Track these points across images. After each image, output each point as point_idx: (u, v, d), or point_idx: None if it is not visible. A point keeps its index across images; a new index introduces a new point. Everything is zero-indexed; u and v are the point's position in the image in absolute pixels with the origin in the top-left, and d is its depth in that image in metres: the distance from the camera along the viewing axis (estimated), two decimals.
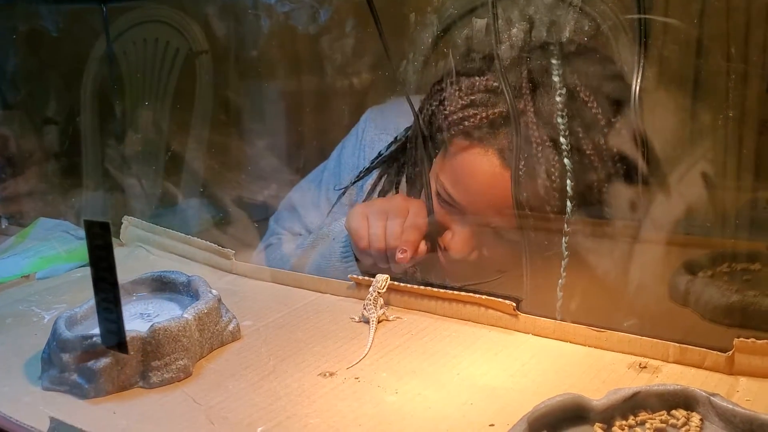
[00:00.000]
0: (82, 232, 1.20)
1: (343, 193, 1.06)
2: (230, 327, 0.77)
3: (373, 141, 1.06)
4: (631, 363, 0.67)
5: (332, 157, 1.13)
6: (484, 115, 0.85)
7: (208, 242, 1.00)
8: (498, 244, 0.91)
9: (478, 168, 0.86)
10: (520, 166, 0.84)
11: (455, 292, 0.79)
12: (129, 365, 0.68)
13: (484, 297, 0.77)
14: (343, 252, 0.98)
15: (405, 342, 0.75)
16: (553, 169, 0.82)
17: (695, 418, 0.55)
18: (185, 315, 0.72)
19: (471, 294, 0.78)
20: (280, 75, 1.28)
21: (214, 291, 0.79)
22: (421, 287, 0.81)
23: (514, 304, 0.75)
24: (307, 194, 1.14)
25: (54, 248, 1.11)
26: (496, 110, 0.85)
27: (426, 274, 0.95)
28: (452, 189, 0.90)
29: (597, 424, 0.55)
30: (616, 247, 0.88)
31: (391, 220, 0.91)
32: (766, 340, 0.63)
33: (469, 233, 0.91)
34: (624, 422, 0.55)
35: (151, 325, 0.69)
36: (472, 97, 0.87)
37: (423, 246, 0.90)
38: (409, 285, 0.82)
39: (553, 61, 0.83)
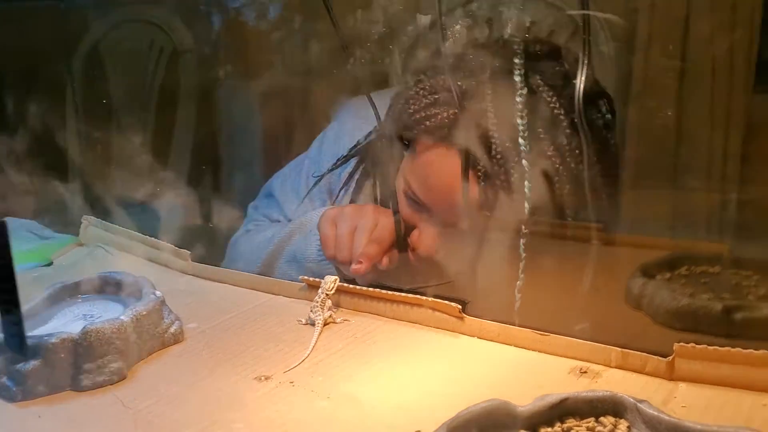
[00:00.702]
0: (47, 232, 1.20)
1: (319, 181, 1.06)
2: (172, 329, 0.76)
3: (354, 130, 1.05)
4: (572, 368, 0.66)
5: (314, 145, 1.13)
6: (445, 114, 0.84)
7: (165, 243, 0.99)
8: (463, 243, 0.90)
9: (440, 167, 0.86)
10: (479, 167, 0.82)
11: (403, 294, 0.77)
12: (59, 368, 0.67)
13: (430, 299, 0.75)
14: (318, 251, 0.97)
15: (348, 345, 0.73)
16: (512, 170, 0.81)
17: (622, 425, 0.53)
18: (122, 317, 0.71)
19: (418, 296, 0.76)
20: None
21: (157, 292, 0.77)
22: (370, 289, 0.80)
23: (460, 307, 0.74)
24: (287, 181, 1.14)
25: (14, 248, 1.10)
26: (456, 110, 0.83)
27: (398, 276, 0.94)
28: (417, 188, 0.89)
29: (521, 431, 0.54)
30: (573, 249, 0.86)
31: (359, 232, 0.91)
32: (705, 345, 0.61)
33: (436, 232, 0.90)
34: (550, 429, 0.54)
35: (84, 327, 0.67)
36: (436, 96, 0.86)
37: (386, 259, 0.89)
38: (358, 287, 0.81)
39: (516, 61, 0.82)
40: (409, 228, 0.93)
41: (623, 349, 0.65)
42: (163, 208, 0.99)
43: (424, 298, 0.76)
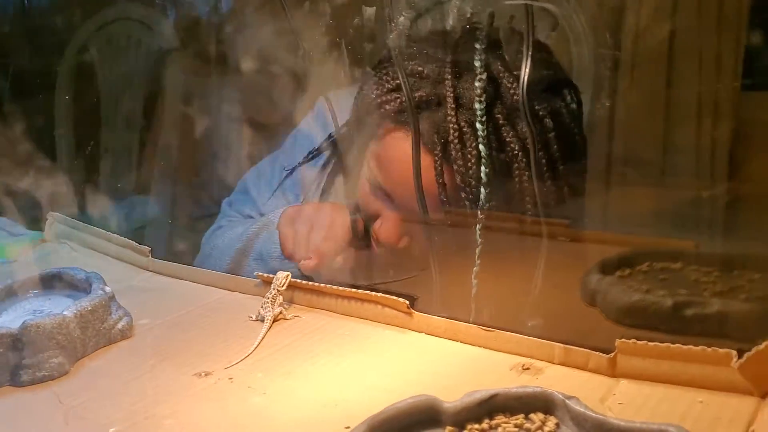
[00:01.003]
0: (19, 229, 1.19)
1: (289, 175, 1.05)
2: (120, 325, 0.75)
3: (327, 124, 1.05)
4: (515, 364, 0.65)
5: (288, 139, 1.12)
6: (404, 99, 0.84)
7: (126, 239, 0.98)
8: (424, 233, 0.89)
9: (399, 153, 0.85)
10: (437, 151, 0.82)
11: (353, 290, 0.76)
12: None
13: (379, 295, 0.74)
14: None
15: (294, 341, 0.72)
16: (470, 156, 0.80)
17: (551, 422, 0.52)
18: (65, 312, 0.70)
19: (368, 292, 0.75)
20: None
21: (107, 288, 0.77)
22: (323, 285, 0.79)
23: (408, 302, 0.73)
24: (262, 177, 1.13)
25: None
26: (416, 94, 0.83)
27: (360, 273, 0.93)
28: (379, 174, 0.89)
29: (449, 427, 0.53)
30: (534, 244, 0.85)
31: (316, 231, 0.90)
32: (646, 341, 0.60)
33: (398, 220, 0.90)
34: (477, 426, 0.53)
35: (23, 322, 0.67)
36: (397, 82, 0.85)
37: (341, 258, 0.89)
38: (311, 283, 0.80)
39: (477, 46, 0.81)
40: (374, 218, 0.92)
41: (566, 346, 0.64)
42: None
43: (373, 293, 0.75)
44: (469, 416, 0.53)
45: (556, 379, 0.62)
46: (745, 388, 0.56)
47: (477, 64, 0.81)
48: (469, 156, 0.80)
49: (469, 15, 0.75)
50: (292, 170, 1.04)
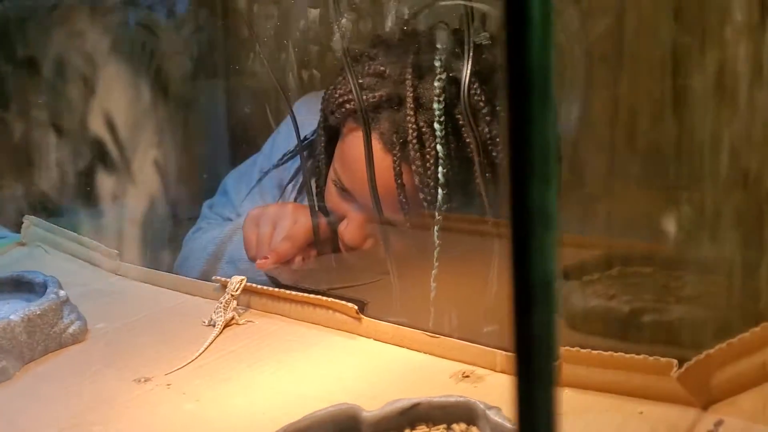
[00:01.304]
0: (3, 231, 1.20)
1: (263, 176, 1.05)
2: (71, 329, 0.75)
3: (304, 125, 1.04)
4: (456, 371, 0.63)
5: (267, 142, 1.12)
6: (364, 97, 0.83)
7: (95, 242, 0.98)
8: (383, 236, 0.87)
9: (359, 153, 0.84)
10: (395, 152, 0.81)
11: (306, 295, 0.75)
12: None
13: (330, 300, 0.73)
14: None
15: (241, 347, 0.71)
16: (428, 156, 0.79)
17: None
18: (11, 316, 0.70)
19: (318, 296, 0.74)
20: None
21: (61, 292, 0.77)
22: (277, 290, 0.78)
23: (356, 307, 0.71)
24: (242, 178, 1.13)
25: None
26: (377, 93, 0.82)
27: (321, 276, 0.92)
28: (342, 174, 0.88)
29: None
30: (490, 244, 0.84)
31: (277, 231, 0.90)
32: (590, 350, 0.58)
33: (362, 221, 0.88)
34: None
35: None
36: (360, 81, 0.84)
37: (299, 259, 0.88)
38: (266, 287, 0.79)
39: (438, 46, 0.80)
40: (341, 219, 0.91)
41: (509, 353, 0.62)
42: None
43: (324, 298, 0.74)
44: (389, 426, 0.52)
45: (495, 387, 0.60)
46: (687, 399, 0.54)
47: (437, 64, 0.79)
48: (427, 156, 0.79)
49: (412, 17, 0.74)
50: (267, 172, 1.03)
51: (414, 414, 0.52)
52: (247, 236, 0.91)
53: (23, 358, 0.70)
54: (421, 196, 0.80)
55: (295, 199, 0.99)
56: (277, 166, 1.04)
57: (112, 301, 0.87)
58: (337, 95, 0.86)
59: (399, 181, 0.80)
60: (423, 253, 0.81)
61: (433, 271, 0.79)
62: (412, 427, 0.52)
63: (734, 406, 0.51)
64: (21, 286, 0.82)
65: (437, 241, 0.78)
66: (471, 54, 0.68)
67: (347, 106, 0.83)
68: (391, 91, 0.81)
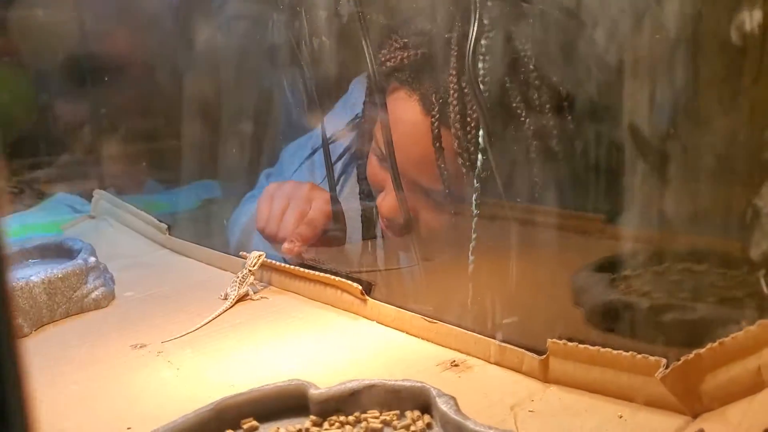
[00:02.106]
0: (86, 207, 1.26)
1: (313, 153, 1.04)
2: (94, 295, 0.77)
3: (356, 105, 1.03)
4: (448, 359, 0.59)
5: (325, 117, 1.11)
6: (405, 55, 0.79)
7: (151, 217, 1.01)
8: (426, 207, 0.83)
9: (399, 115, 0.80)
10: (434, 113, 0.76)
11: (318, 274, 0.73)
12: None
13: (338, 279, 0.71)
14: None
15: (246, 322, 0.70)
16: (469, 119, 0.74)
17: (421, 422, 0.46)
18: (32, 277, 0.72)
19: (328, 275, 0.72)
20: None
21: (90, 259, 0.79)
22: (293, 267, 0.76)
23: (360, 288, 0.68)
24: (296, 151, 1.12)
25: (42, 218, 1.17)
26: (418, 51, 0.78)
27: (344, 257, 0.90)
28: (381, 141, 0.84)
29: (312, 417, 0.48)
30: (552, 237, 0.78)
31: (291, 209, 0.88)
32: (576, 343, 0.52)
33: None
34: (341, 418, 0.48)
35: None
36: (405, 41, 0.81)
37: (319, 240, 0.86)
38: (285, 264, 0.77)
39: (488, 2, 0.75)
40: (380, 191, 0.88)
41: (502, 344, 0.57)
42: None
43: (333, 278, 0.71)
44: (337, 406, 0.48)
45: (480, 379, 0.55)
46: (676, 405, 0.47)
47: (485, 21, 0.73)
48: (468, 119, 0.74)
49: None
50: (315, 150, 1.02)
51: (367, 396, 0.48)
52: (260, 209, 0.90)
53: (41, 318, 0.72)
54: (460, 161, 0.75)
55: (340, 177, 0.97)
56: (325, 144, 1.02)
57: (150, 272, 0.88)
58: (382, 59, 0.83)
59: (437, 144, 0.76)
60: (458, 230, 0.76)
61: (471, 245, 0.73)
62: (363, 411, 0.48)
63: (722, 417, 0.43)
64: (62, 251, 0.85)
65: (475, 211, 0.73)
66: (523, 13, 0.62)
67: (388, 64, 0.80)
68: (434, 49, 0.77)
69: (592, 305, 0.64)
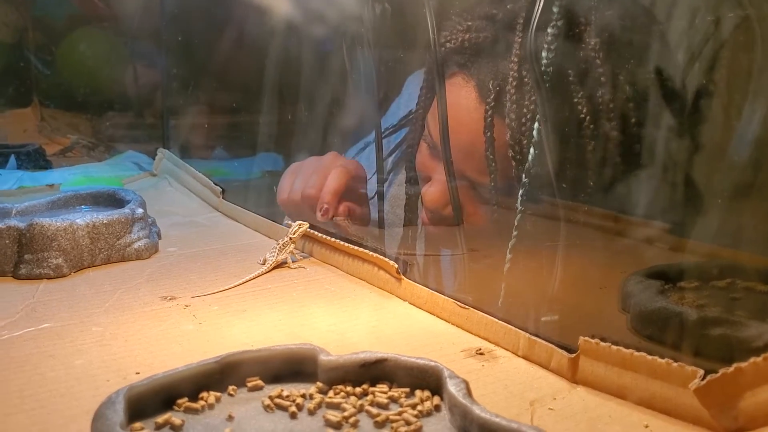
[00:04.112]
0: (150, 165, 1.28)
1: (365, 147, 1.02)
2: (136, 245, 0.77)
3: (409, 102, 1.01)
4: (474, 347, 0.56)
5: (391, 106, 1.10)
6: (466, 37, 0.77)
7: (208, 180, 1.01)
8: (469, 199, 0.81)
9: (452, 100, 0.78)
10: (489, 100, 0.74)
11: (357, 248, 0.71)
12: (2, 253, 0.70)
13: (375, 255, 0.69)
14: None
15: (277, 288, 0.69)
16: (525, 111, 0.71)
17: (429, 403, 0.44)
18: (77, 220, 0.73)
19: (367, 251, 0.70)
20: None
21: (138, 210, 0.79)
22: (333, 240, 0.75)
23: (396, 266, 0.66)
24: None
25: (107, 172, 1.20)
26: (480, 34, 0.76)
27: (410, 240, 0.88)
28: (433, 129, 0.82)
29: (318, 383, 0.46)
30: (610, 242, 0.74)
31: (311, 178, 0.86)
32: (610, 344, 0.49)
33: (446, 184, 0.82)
34: (348, 389, 0.46)
35: (31, 220, 0.71)
36: (468, 23, 0.79)
37: (343, 208, 0.84)
38: (326, 237, 0.76)
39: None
40: (427, 181, 0.85)
41: (531, 337, 0.54)
42: None
43: (371, 253, 0.69)
44: (347, 376, 0.46)
45: (504, 370, 0.52)
46: (708, 422, 0.43)
47: (554, 9, 0.70)
48: (524, 110, 0.71)
49: None
50: (368, 144, 1.00)
51: (377, 370, 0.46)
52: (282, 183, 0.89)
53: (82, 260, 0.73)
54: (510, 153, 0.72)
55: (390, 172, 0.95)
56: (385, 135, 1.00)
57: (197, 231, 0.89)
58: (444, 41, 0.80)
59: (488, 134, 0.73)
60: (499, 225, 0.73)
61: (510, 243, 0.70)
62: (373, 384, 0.46)
63: None
64: (114, 201, 0.86)
65: (519, 207, 0.70)
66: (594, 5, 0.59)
67: (447, 45, 0.78)
68: (498, 34, 0.74)
69: (639, 311, 0.60)
